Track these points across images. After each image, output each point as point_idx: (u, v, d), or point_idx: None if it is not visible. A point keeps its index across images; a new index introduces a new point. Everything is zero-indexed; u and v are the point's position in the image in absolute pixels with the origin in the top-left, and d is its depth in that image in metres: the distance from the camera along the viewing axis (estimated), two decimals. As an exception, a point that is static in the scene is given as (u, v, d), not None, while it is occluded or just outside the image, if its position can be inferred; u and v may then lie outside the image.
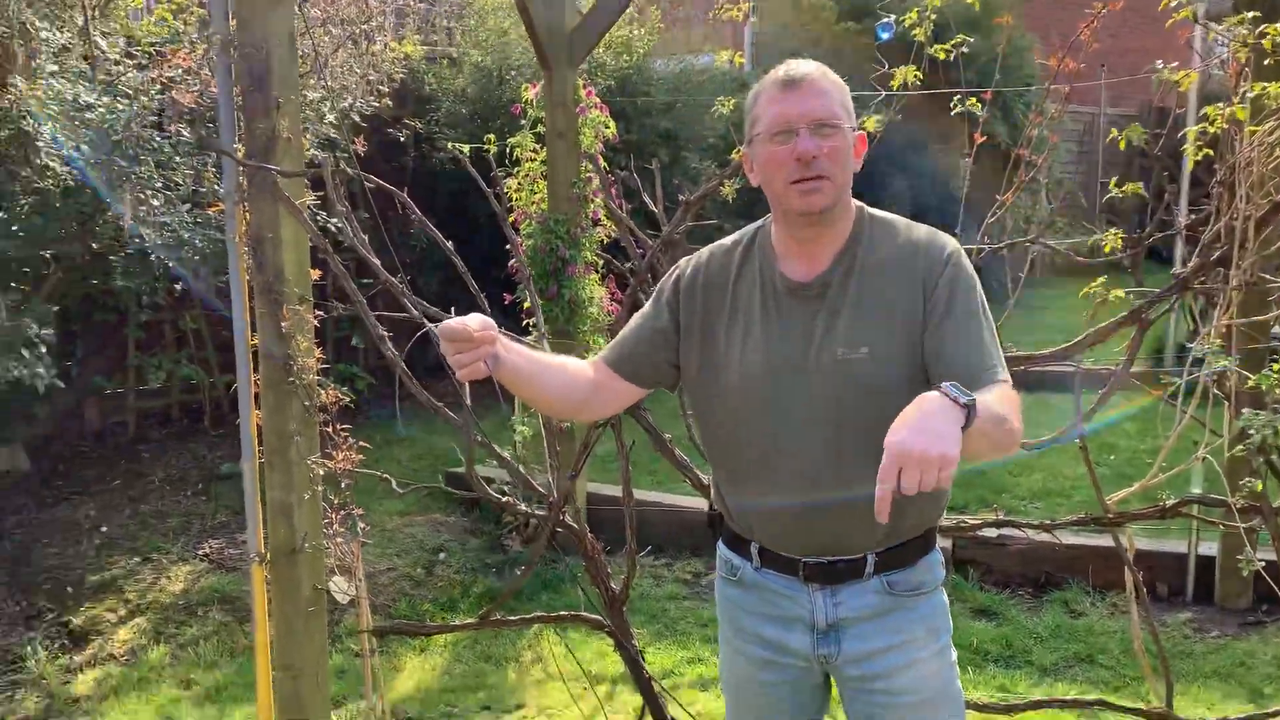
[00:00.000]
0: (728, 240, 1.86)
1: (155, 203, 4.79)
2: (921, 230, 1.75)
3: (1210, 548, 4.25)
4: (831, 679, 1.88)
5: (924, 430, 1.34)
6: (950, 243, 1.73)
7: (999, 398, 1.53)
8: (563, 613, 3.08)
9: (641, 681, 2.75)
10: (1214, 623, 4.09)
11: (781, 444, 1.70)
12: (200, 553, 4.71)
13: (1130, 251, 2.73)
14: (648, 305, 1.90)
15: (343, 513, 3.06)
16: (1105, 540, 3.94)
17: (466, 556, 4.90)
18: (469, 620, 3.14)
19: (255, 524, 2.99)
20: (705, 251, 1.86)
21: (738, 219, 1.97)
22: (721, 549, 1.92)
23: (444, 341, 1.60)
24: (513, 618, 3.03)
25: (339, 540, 3.07)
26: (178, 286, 5.57)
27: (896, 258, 1.71)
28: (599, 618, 2.81)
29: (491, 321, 1.68)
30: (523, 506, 3.08)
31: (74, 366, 5.80)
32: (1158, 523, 2.60)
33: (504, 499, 3.04)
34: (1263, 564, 2.46)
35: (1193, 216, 3.19)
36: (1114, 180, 2.77)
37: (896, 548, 1.75)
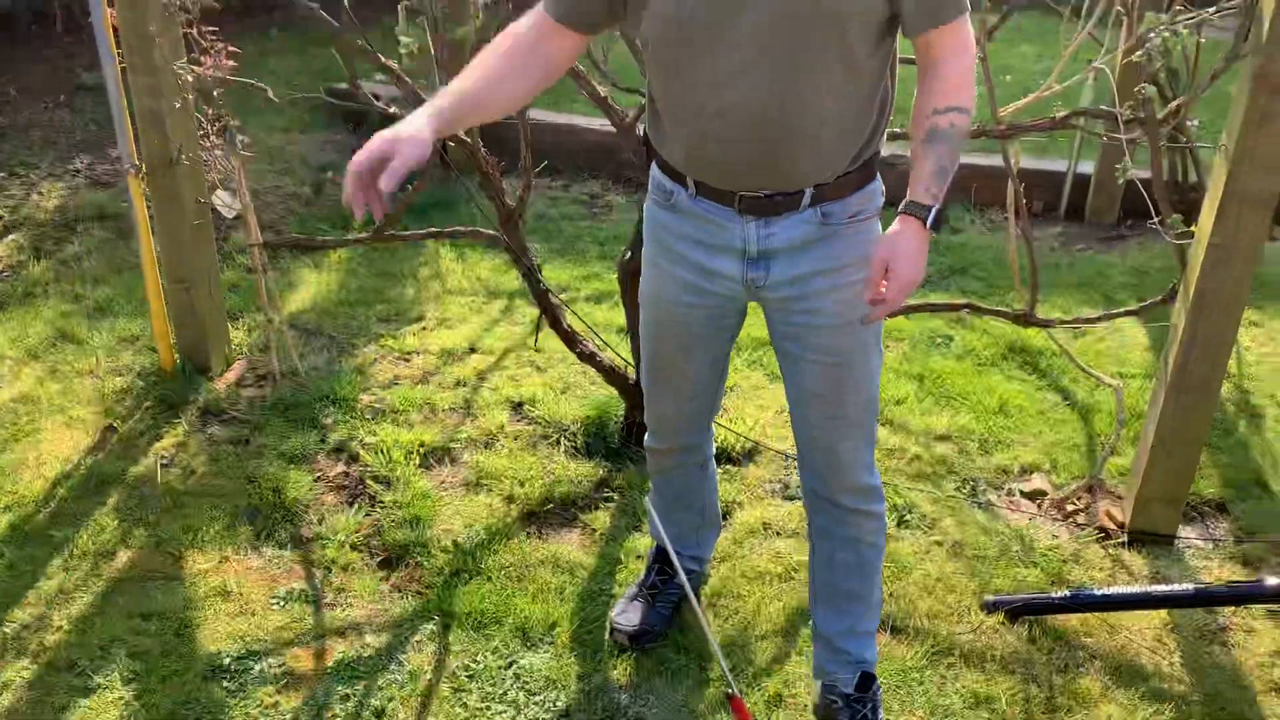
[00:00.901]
0: None
1: None
2: None
3: (1087, 166, 4.41)
4: (749, 305, 1.91)
5: (913, 273, 1.57)
6: None
7: (955, 96, 1.58)
8: (458, 228, 3.08)
9: (537, 293, 2.81)
10: (1081, 237, 4.33)
11: (725, 78, 1.58)
12: (71, 168, 4.48)
13: None
14: None
15: (219, 124, 2.91)
16: (989, 160, 4.04)
17: (356, 175, 4.78)
18: (362, 235, 3.10)
19: (125, 134, 2.83)
20: None
21: None
22: (655, 173, 1.84)
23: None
24: (407, 233, 3.00)
25: (218, 153, 2.94)
26: None
27: None
28: (494, 232, 2.81)
29: (395, 136, 1.49)
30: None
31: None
32: (1042, 139, 2.65)
33: (391, 112, 2.91)
34: (1137, 180, 2.54)
35: None
36: None
37: (835, 180, 1.70)
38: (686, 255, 1.82)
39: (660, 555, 2.32)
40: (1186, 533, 2.62)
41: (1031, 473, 2.84)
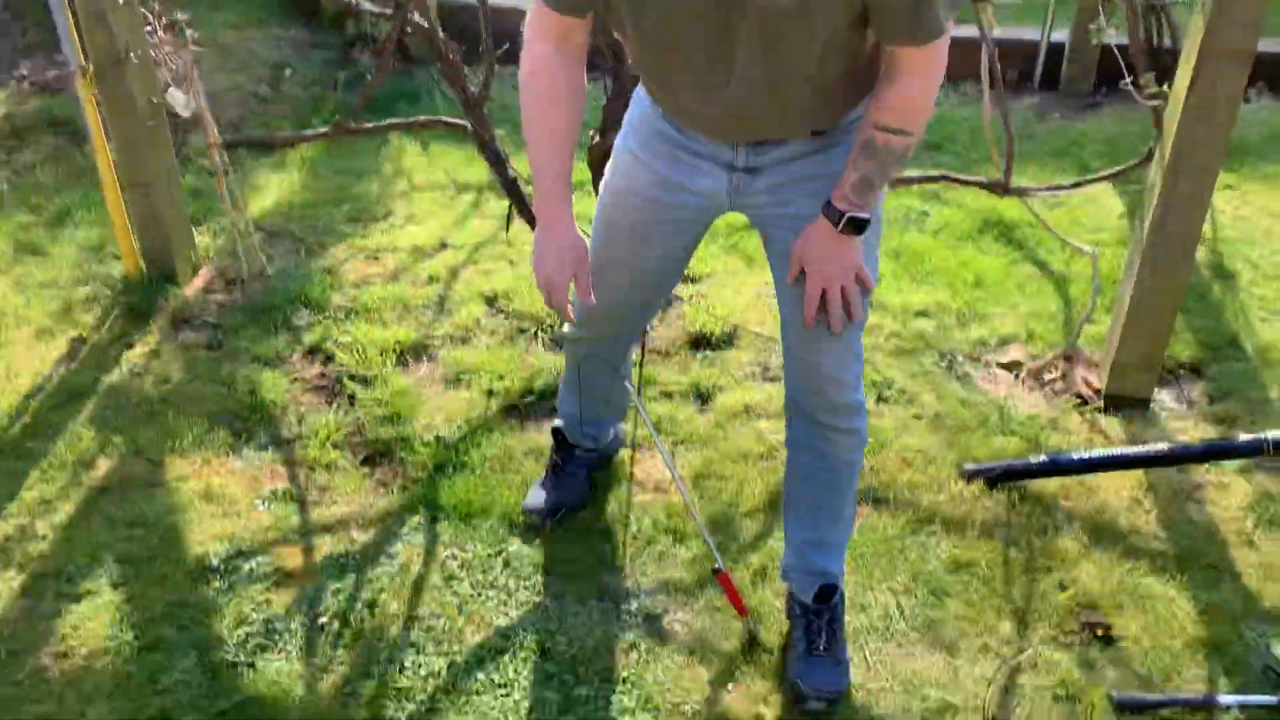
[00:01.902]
0: None
1: None
2: None
3: (1062, 34, 4.33)
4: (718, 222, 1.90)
5: (829, 269, 1.67)
6: None
7: (904, 118, 1.57)
8: (422, 118, 3.00)
9: (506, 181, 2.76)
10: (1056, 106, 4.28)
11: (705, 83, 1.59)
12: (17, 75, 4.32)
13: None
14: None
15: (166, 20, 2.80)
16: (963, 31, 3.94)
17: (313, 71, 4.65)
18: (322, 130, 3.02)
19: (68, 33, 2.72)
20: None
21: None
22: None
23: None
24: (369, 124, 2.93)
25: (168, 50, 2.83)
26: None
27: None
28: (459, 120, 2.74)
29: (569, 255, 1.71)
30: (369, 6, 2.86)
31: None
32: (1017, 3, 2.59)
33: (348, 1, 2.82)
34: (1113, 46, 2.49)
35: None
36: None
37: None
38: (668, 153, 1.78)
39: (556, 432, 2.31)
40: (1162, 395, 2.65)
41: (1009, 344, 2.86)
